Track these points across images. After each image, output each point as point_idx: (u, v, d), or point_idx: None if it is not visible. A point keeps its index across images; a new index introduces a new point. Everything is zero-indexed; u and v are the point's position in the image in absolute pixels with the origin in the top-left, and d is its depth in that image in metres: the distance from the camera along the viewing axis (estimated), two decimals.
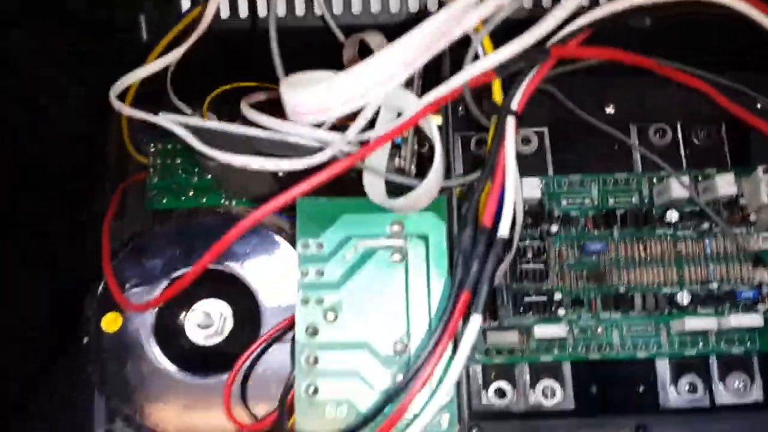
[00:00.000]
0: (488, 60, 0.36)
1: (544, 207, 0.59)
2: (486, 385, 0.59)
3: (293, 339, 0.45)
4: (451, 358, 0.39)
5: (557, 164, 0.63)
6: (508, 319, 0.58)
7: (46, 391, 0.61)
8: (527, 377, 0.59)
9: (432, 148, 0.47)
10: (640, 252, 0.59)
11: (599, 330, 0.58)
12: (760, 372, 0.59)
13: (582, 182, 0.61)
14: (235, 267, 0.53)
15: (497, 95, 0.40)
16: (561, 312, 0.57)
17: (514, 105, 0.40)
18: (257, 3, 0.58)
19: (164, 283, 0.54)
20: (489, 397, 0.58)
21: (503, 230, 0.37)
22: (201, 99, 0.57)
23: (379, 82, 0.31)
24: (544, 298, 0.57)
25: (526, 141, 0.63)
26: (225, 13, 0.57)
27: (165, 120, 0.41)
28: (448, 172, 0.47)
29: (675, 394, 0.59)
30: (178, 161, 0.64)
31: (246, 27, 0.57)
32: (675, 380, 0.59)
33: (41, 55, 0.58)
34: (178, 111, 0.56)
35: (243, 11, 0.57)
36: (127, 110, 0.42)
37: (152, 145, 0.65)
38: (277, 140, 0.43)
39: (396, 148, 0.46)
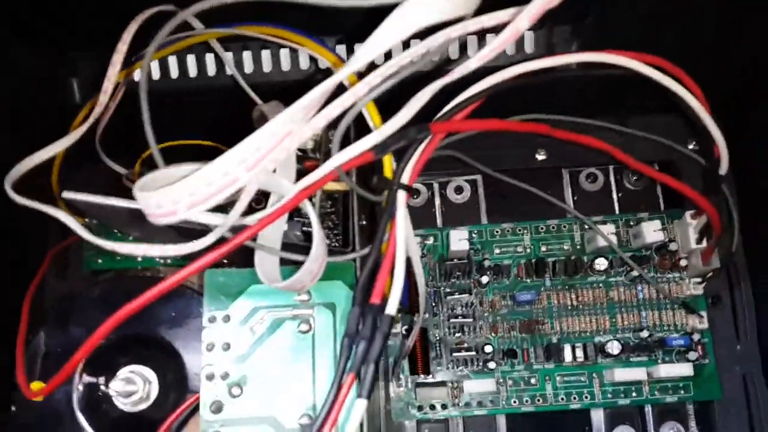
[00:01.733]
0: (362, 143, 0.35)
1: (472, 259, 0.59)
2: None
3: None
4: None
5: (490, 212, 0.63)
6: (440, 373, 0.58)
7: None
8: (460, 431, 0.59)
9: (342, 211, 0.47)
10: (572, 300, 0.59)
11: (532, 381, 0.58)
12: (696, 420, 0.58)
13: (514, 230, 0.61)
14: (159, 330, 0.53)
15: (388, 171, 0.40)
16: (492, 365, 0.57)
17: (405, 179, 0.39)
18: (187, 63, 0.58)
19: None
20: None
21: (391, 308, 0.36)
22: (137, 155, 0.57)
23: (218, 186, 0.31)
24: (473, 353, 0.57)
25: (458, 190, 0.63)
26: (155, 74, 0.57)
27: (57, 213, 0.41)
28: (350, 244, 0.47)
29: None
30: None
31: (167, 87, 0.57)
32: (610, 430, 0.58)
33: None
34: (110, 171, 0.56)
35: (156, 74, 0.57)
36: (20, 200, 0.42)
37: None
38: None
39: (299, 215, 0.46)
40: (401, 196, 0.39)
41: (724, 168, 0.50)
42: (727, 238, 0.53)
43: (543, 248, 0.60)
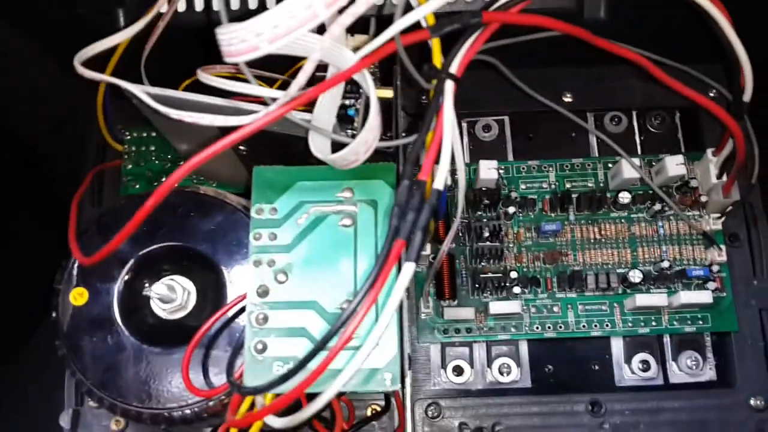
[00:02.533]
0: (417, 12, 0.37)
1: (501, 189, 0.61)
2: (444, 364, 0.60)
3: None
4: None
5: (517, 150, 0.65)
6: (466, 297, 0.60)
7: (15, 371, 0.62)
8: (484, 356, 0.60)
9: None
10: (595, 233, 0.61)
11: (555, 309, 0.59)
12: (713, 351, 0.60)
13: (540, 167, 0.63)
14: (199, 244, 0.55)
15: (437, 59, 0.42)
16: (516, 290, 0.59)
17: (453, 68, 0.41)
18: None
19: (132, 260, 0.55)
20: (447, 375, 0.60)
21: (438, 182, 0.38)
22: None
23: (300, 19, 0.33)
24: (500, 275, 0.59)
25: (486, 128, 0.65)
26: (198, 6, 0.59)
27: (126, 85, 0.43)
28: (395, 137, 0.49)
29: (629, 372, 0.60)
30: (152, 148, 0.66)
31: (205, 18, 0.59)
32: (629, 358, 0.60)
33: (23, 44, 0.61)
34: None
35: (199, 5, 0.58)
36: (89, 73, 0.43)
37: (127, 132, 0.67)
38: (226, 106, 0.45)
39: (347, 121, 0.48)
40: (449, 85, 0.41)
41: (748, 95, 0.52)
42: (748, 168, 0.55)
43: (568, 185, 0.62)
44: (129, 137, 0.67)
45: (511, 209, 0.60)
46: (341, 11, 0.35)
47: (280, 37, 0.34)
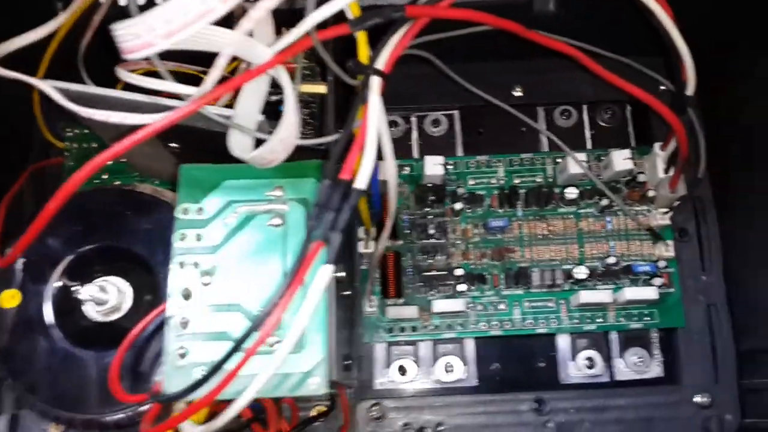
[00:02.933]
0: (332, 5, 0.36)
1: (446, 185, 0.60)
2: (389, 363, 0.59)
3: None
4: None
5: (467, 145, 0.64)
6: (412, 295, 0.59)
7: None
8: (430, 354, 0.60)
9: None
10: (543, 229, 0.60)
11: (501, 306, 0.59)
12: (660, 347, 0.60)
13: (489, 162, 0.62)
14: (135, 244, 0.53)
15: (363, 54, 0.41)
16: (462, 287, 0.58)
17: (380, 64, 0.40)
18: None
19: (66, 260, 0.54)
20: (391, 375, 0.59)
21: (360, 182, 0.37)
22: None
23: (195, 14, 0.31)
24: (444, 273, 0.58)
25: (435, 123, 0.64)
26: None
27: (41, 84, 0.42)
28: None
29: (575, 369, 0.59)
30: (94, 145, 0.65)
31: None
32: (574, 356, 0.60)
33: None
34: None
35: None
36: (4, 72, 0.42)
37: (68, 130, 0.66)
38: (147, 103, 0.43)
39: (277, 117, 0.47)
40: (375, 81, 0.40)
41: (690, 89, 0.51)
42: (694, 164, 0.54)
43: (516, 180, 0.61)
44: (70, 134, 0.66)
45: (458, 205, 0.59)
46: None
47: (175, 32, 0.32)
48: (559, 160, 0.61)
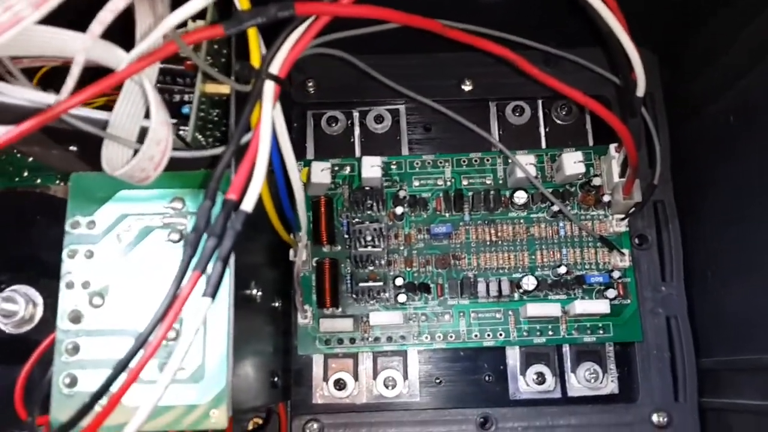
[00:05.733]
0: (192, 5, 0.32)
1: (383, 187, 0.56)
2: (326, 377, 0.56)
3: None
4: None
5: (412, 144, 0.60)
6: (352, 305, 0.55)
7: None
8: (370, 368, 0.56)
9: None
10: (491, 235, 0.56)
11: (445, 317, 0.55)
12: (615, 362, 0.56)
13: (435, 162, 0.58)
14: (45, 251, 0.50)
15: (255, 58, 0.36)
16: (402, 298, 0.54)
17: (274, 68, 0.36)
18: None
19: None
20: (329, 389, 0.55)
21: (247, 204, 0.33)
22: None
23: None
24: (380, 284, 0.54)
25: (379, 119, 0.60)
26: None
27: None
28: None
29: (524, 384, 0.55)
30: None
31: None
32: (524, 370, 0.56)
33: None
34: None
35: None
36: None
37: None
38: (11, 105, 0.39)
39: (183, 119, 0.43)
40: (268, 87, 0.36)
41: (641, 90, 0.47)
42: (651, 168, 0.50)
43: (464, 182, 0.57)
44: None
45: (400, 209, 0.55)
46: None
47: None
48: (510, 161, 0.57)
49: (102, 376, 0.39)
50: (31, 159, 0.59)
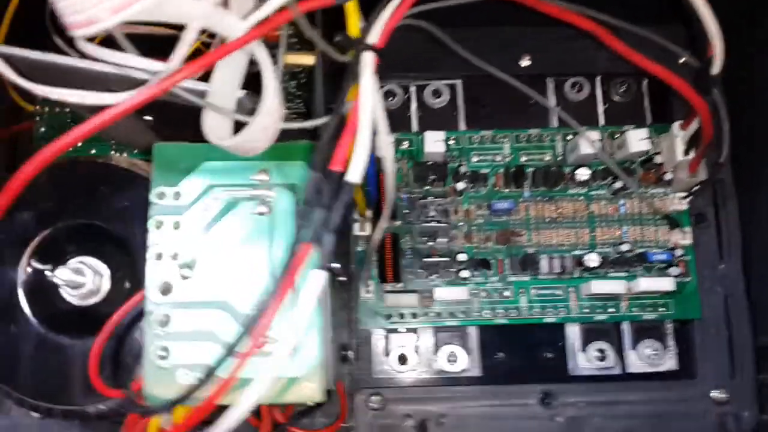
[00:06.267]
0: None
1: (447, 162, 0.56)
2: (388, 352, 0.56)
3: None
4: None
5: (469, 119, 0.60)
6: (412, 280, 0.55)
7: None
8: (431, 343, 0.56)
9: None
10: (551, 212, 0.56)
11: (506, 293, 0.55)
12: (675, 339, 0.56)
13: (494, 137, 0.57)
14: (111, 222, 0.49)
15: (353, 27, 0.36)
16: (465, 274, 0.54)
17: (373, 38, 0.36)
18: None
19: (37, 239, 0.50)
20: (391, 363, 0.55)
21: (353, 175, 0.33)
22: None
23: None
24: (447, 260, 0.54)
25: (436, 94, 0.60)
26: None
27: None
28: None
29: (584, 361, 0.56)
30: (67, 109, 0.60)
31: None
32: (584, 347, 0.56)
33: None
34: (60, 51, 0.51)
35: None
36: None
37: None
38: (104, 73, 0.39)
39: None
40: (368, 57, 0.36)
41: (717, 67, 0.47)
42: (716, 147, 0.50)
43: (523, 158, 0.57)
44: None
45: (461, 185, 0.55)
46: None
47: (126, 5, 0.28)
48: (569, 137, 0.57)
49: (193, 349, 0.39)
50: None
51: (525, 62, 0.59)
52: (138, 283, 0.49)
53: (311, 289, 0.33)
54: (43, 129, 0.60)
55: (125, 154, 0.57)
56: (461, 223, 0.56)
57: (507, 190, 0.57)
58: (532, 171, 0.56)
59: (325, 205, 0.33)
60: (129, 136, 0.53)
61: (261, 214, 0.41)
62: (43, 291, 0.50)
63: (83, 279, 0.49)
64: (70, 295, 0.50)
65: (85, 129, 0.31)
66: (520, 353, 0.56)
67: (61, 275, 0.47)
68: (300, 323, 0.32)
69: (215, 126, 0.36)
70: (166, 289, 0.40)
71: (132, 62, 0.34)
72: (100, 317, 0.49)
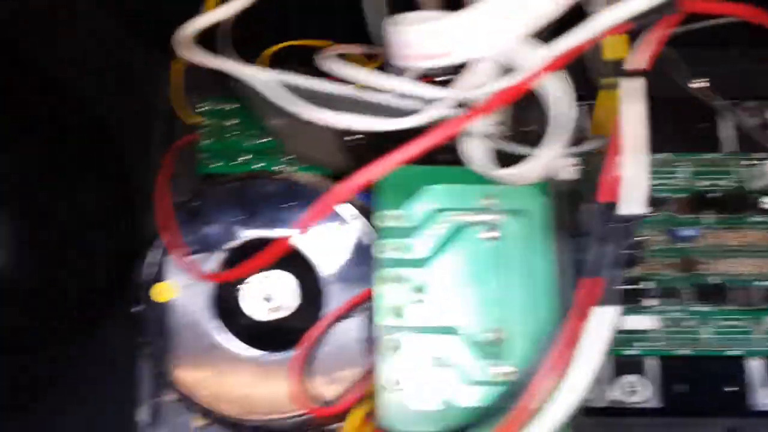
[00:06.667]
0: (628, 6, 0.30)
1: None
2: None
3: (370, 320, 0.41)
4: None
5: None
6: None
7: (84, 361, 0.57)
8: (609, 371, 0.54)
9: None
10: (733, 240, 0.54)
11: (689, 323, 0.53)
12: None
13: (672, 161, 0.56)
14: (295, 237, 0.49)
15: (618, 50, 0.35)
16: (651, 302, 0.52)
17: (644, 62, 0.35)
18: None
19: (222, 251, 0.50)
20: None
21: (636, 205, 0.32)
22: (255, 55, 0.53)
23: (516, 22, 0.26)
24: (632, 287, 0.53)
25: None
26: None
27: (246, 71, 0.36)
28: None
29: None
30: (234, 122, 0.59)
31: None
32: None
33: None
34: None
35: None
36: (198, 57, 0.36)
37: (204, 104, 0.60)
38: (363, 100, 0.38)
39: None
40: (640, 83, 0.34)
41: None
42: None
43: (702, 183, 0.55)
44: (206, 109, 0.60)
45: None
46: None
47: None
48: (744, 162, 0.55)
49: (425, 375, 0.38)
50: (253, 142, 0.58)
51: (699, 84, 0.57)
52: (320, 299, 0.49)
53: (601, 330, 0.31)
54: (208, 141, 0.59)
55: (295, 168, 0.56)
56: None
57: (687, 216, 0.55)
58: (713, 197, 0.54)
59: (612, 240, 0.32)
60: (310, 150, 0.53)
61: (490, 239, 0.39)
62: (231, 303, 0.50)
63: (272, 293, 0.49)
64: (257, 309, 0.49)
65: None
66: (699, 386, 0.55)
67: (251, 288, 0.47)
68: (588, 373, 0.31)
69: (478, 153, 0.35)
70: (398, 314, 0.39)
71: (420, 91, 0.33)
72: (287, 331, 0.48)
